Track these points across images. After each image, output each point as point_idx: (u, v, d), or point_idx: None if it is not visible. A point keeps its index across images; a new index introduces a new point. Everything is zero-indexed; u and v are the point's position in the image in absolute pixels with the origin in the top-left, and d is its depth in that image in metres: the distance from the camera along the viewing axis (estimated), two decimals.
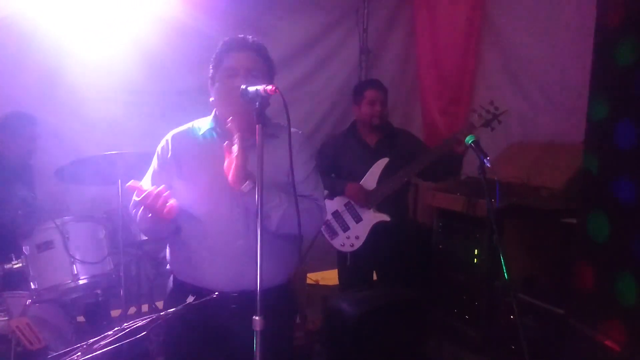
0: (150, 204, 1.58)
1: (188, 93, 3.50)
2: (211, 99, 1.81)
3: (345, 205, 3.04)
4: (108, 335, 1.20)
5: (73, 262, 2.49)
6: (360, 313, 2.62)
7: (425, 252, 3.56)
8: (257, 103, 1.53)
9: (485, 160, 2.06)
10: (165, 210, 1.58)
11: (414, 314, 2.78)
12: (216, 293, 1.56)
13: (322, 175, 3.01)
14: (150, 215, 1.64)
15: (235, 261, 1.70)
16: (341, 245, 3.05)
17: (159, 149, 1.85)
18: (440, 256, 3.49)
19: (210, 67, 1.79)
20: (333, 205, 3.05)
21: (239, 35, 1.78)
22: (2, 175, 2.90)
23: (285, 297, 1.82)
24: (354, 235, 3.01)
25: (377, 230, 2.98)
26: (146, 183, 1.81)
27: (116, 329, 1.21)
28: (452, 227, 3.41)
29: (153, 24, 3.49)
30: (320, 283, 4.38)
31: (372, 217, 2.99)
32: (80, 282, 2.54)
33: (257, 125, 1.53)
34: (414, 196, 3.85)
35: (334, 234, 3.07)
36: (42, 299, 2.51)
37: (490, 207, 2.11)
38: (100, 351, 1.18)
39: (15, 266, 2.46)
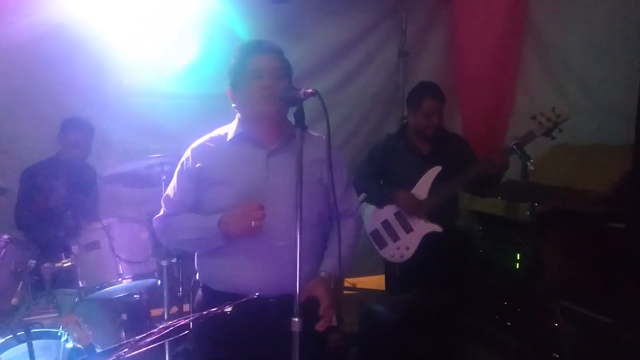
0: (247, 219, 1.61)
1: (225, 97, 3.56)
2: (233, 105, 1.82)
3: (396, 214, 2.96)
4: (153, 333, 1.24)
5: (118, 262, 2.56)
6: (398, 317, 2.61)
7: (464, 257, 3.50)
8: (296, 106, 1.56)
9: (528, 163, 2.02)
10: (254, 225, 1.61)
11: (451, 320, 2.74)
12: (257, 294, 1.57)
13: (369, 180, 3.05)
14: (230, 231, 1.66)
15: (275, 265, 1.70)
16: (391, 255, 2.98)
17: (182, 164, 1.84)
18: (480, 261, 3.43)
19: (230, 74, 1.80)
20: (382, 214, 2.99)
21: (256, 39, 1.81)
22: (58, 176, 3.05)
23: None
24: (404, 245, 2.93)
25: (428, 240, 2.89)
26: (176, 194, 1.82)
27: (161, 326, 1.25)
28: (492, 231, 3.34)
29: (192, 28, 3.59)
30: (358, 286, 4.37)
31: (423, 228, 2.89)
32: (125, 281, 2.59)
33: (297, 129, 1.56)
34: None
35: (383, 244, 3.00)
36: (89, 296, 2.60)
37: (533, 211, 2.06)
38: (146, 348, 1.22)
39: (64, 265, 2.56)
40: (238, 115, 1.83)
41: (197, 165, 1.78)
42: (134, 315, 3.11)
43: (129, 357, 1.23)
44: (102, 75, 3.52)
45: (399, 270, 3.01)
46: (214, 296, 1.77)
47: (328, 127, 1.58)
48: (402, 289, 3.04)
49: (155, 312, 3.23)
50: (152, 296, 3.04)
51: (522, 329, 3.06)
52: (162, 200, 1.89)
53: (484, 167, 2.70)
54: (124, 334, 2.82)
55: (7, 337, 2.17)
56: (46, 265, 2.53)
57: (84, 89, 3.52)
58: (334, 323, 1.63)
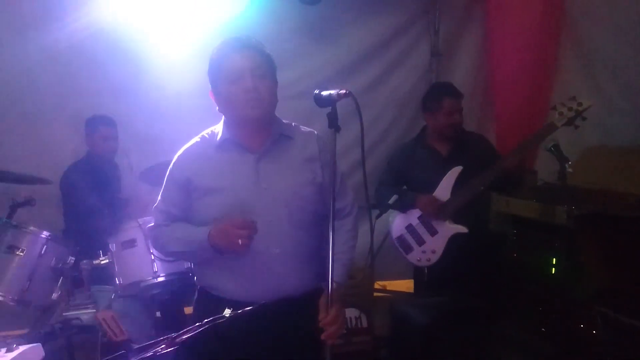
0: (234, 237, 1.54)
1: None
2: (217, 108, 1.72)
3: (419, 218, 2.93)
4: (190, 330, 1.26)
5: (153, 260, 2.61)
6: (429, 320, 2.58)
7: (496, 260, 3.44)
8: (330, 107, 1.55)
9: (566, 165, 1.96)
10: (241, 243, 1.54)
11: (483, 324, 2.70)
12: (263, 301, 1.53)
13: (389, 186, 3.02)
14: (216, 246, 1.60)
15: (270, 272, 1.65)
16: (417, 260, 2.95)
17: (170, 173, 1.76)
18: (514, 265, 3.35)
19: (209, 75, 1.70)
20: (406, 219, 2.96)
21: (233, 37, 1.69)
22: (93, 175, 3.16)
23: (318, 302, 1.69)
24: (430, 249, 2.90)
25: (454, 242, 2.85)
26: (164, 204, 1.76)
27: (197, 324, 1.27)
28: (527, 235, 3.26)
29: (223, 29, 3.63)
30: (388, 288, 4.34)
31: (448, 230, 2.86)
32: (159, 279, 2.64)
33: (331, 130, 1.54)
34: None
35: (408, 248, 2.97)
36: (125, 293, 2.66)
37: (571, 214, 2.00)
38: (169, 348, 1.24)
39: (102, 262, 2.63)
40: (223, 117, 1.75)
41: (185, 176, 1.70)
42: (167, 313, 3.18)
43: (165, 353, 1.25)
44: (137, 76, 3.61)
45: (428, 274, 2.97)
46: (211, 300, 1.71)
47: (362, 128, 1.57)
48: (431, 292, 3.01)
49: (188, 310, 3.28)
50: (186, 294, 3.09)
51: (557, 335, 2.98)
52: (153, 209, 1.82)
53: (501, 164, 2.67)
54: (157, 330, 2.89)
55: (48, 331, 2.25)
56: (84, 262, 2.61)
57: (120, 89, 3.63)
58: (336, 337, 1.58)
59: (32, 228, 2.59)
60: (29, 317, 2.81)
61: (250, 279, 1.65)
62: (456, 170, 2.83)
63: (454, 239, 2.84)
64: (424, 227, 2.92)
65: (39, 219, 2.84)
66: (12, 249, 2.50)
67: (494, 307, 2.81)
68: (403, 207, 2.96)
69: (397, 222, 3.03)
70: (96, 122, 3.35)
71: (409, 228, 2.96)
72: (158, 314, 3.12)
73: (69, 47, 3.40)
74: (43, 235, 2.59)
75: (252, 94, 1.61)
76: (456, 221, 2.84)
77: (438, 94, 2.95)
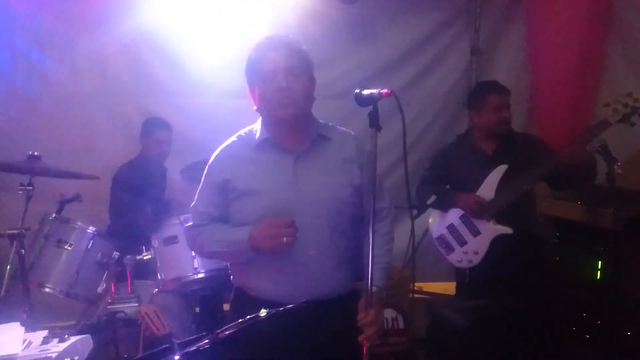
0: (278, 237, 1.54)
1: None
2: (254, 107, 1.70)
3: (461, 217, 2.86)
4: (231, 326, 1.28)
5: (194, 257, 2.65)
6: (468, 323, 2.54)
7: (539, 263, 3.34)
8: (371, 106, 1.53)
9: (615, 166, 1.88)
10: (286, 242, 1.55)
11: (525, 328, 2.63)
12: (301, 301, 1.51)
13: (431, 185, 2.99)
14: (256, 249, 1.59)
15: (306, 273, 1.64)
16: (458, 261, 2.88)
17: (208, 172, 1.75)
18: (557, 269, 3.25)
19: (246, 75, 1.69)
20: (447, 218, 2.90)
21: (268, 35, 1.67)
22: (143, 174, 3.26)
23: (355, 304, 1.66)
24: (472, 250, 2.82)
25: (497, 243, 2.75)
26: (202, 203, 1.76)
27: (240, 320, 1.29)
28: (571, 238, 3.16)
29: (262, 31, 3.67)
30: (424, 290, 4.30)
31: (491, 230, 2.76)
32: (200, 275, 2.68)
33: (371, 129, 1.53)
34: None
35: (449, 249, 2.91)
36: (167, 288, 2.72)
37: (618, 217, 1.92)
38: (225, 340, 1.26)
39: (145, 257, 2.70)
40: (261, 117, 1.73)
41: (222, 177, 1.69)
42: (206, 309, 3.23)
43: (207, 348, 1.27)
44: (179, 77, 3.71)
45: (469, 276, 2.89)
46: (247, 300, 1.72)
47: (404, 127, 1.55)
48: (472, 295, 2.93)
49: (227, 307, 3.33)
50: (225, 291, 3.14)
51: (602, 342, 2.88)
52: (190, 209, 1.82)
53: (556, 160, 2.55)
54: (197, 326, 2.95)
55: (94, 323, 2.33)
56: (128, 257, 2.69)
57: (163, 91, 3.74)
58: (374, 339, 1.57)
59: (79, 223, 2.68)
60: (75, 310, 2.92)
61: (286, 280, 1.65)
62: (501, 169, 2.74)
63: (498, 240, 2.75)
64: (465, 227, 2.84)
65: (85, 215, 2.95)
66: (61, 243, 2.61)
67: (535, 311, 2.73)
68: (444, 206, 2.90)
69: (438, 222, 2.98)
70: (153, 125, 3.45)
71: (450, 228, 2.89)
72: (197, 309, 3.18)
73: (115, 51, 3.54)
74: (90, 231, 2.68)
75: (285, 92, 1.59)
76: (500, 222, 2.75)
77: (482, 91, 2.88)
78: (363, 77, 3.88)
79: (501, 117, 2.76)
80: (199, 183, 1.81)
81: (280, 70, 1.60)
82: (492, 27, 4.10)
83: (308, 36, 3.58)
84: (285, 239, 1.54)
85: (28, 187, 2.37)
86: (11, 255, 2.30)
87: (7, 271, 2.32)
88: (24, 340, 1.14)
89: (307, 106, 1.67)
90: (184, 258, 2.67)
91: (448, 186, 2.93)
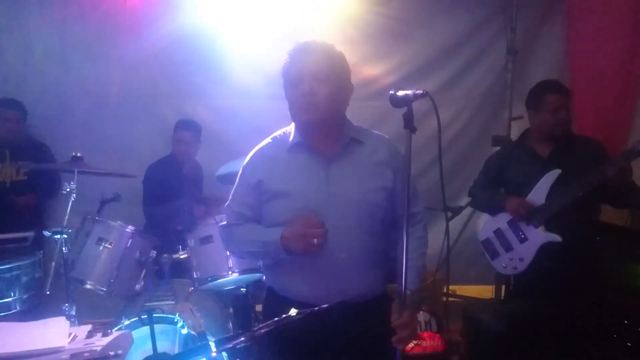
0: (309, 238, 1.56)
1: None
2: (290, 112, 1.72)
3: (509, 222, 2.75)
4: (266, 326, 1.29)
5: (229, 256, 2.69)
6: (505, 328, 2.50)
7: (585, 270, 3.22)
8: (406, 108, 1.52)
9: None
10: (317, 243, 1.56)
11: (564, 334, 2.56)
12: (341, 300, 1.52)
13: (483, 187, 2.93)
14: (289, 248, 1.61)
15: (339, 274, 1.65)
16: (503, 267, 2.79)
17: (243, 173, 1.78)
18: (597, 274, 3.16)
19: (282, 79, 1.71)
20: (495, 222, 2.81)
21: (303, 41, 1.69)
22: (172, 174, 3.34)
23: (386, 306, 1.67)
24: (517, 256, 2.72)
25: (545, 251, 2.63)
26: (236, 204, 1.79)
27: (276, 319, 1.30)
28: (613, 242, 3.06)
29: (297, 34, 3.69)
30: (458, 293, 4.24)
31: (539, 237, 2.64)
32: (234, 275, 2.72)
33: (406, 131, 1.53)
34: None
35: (495, 254, 2.82)
36: (202, 287, 2.77)
37: None
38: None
39: (181, 256, 2.76)
40: None
41: (256, 178, 1.72)
42: (239, 308, 3.27)
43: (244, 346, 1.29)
44: (214, 79, 3.78)
45: (513, 282, 2.82)
46: (278, 300, 1.74)
47: (439, 129, 1.55)
48: (517, 301, 2.86)
49: (259, 307, 3.37)
50: (257, 291, 3.17)
51: None
52: (224, 208, 1.86)
53: (603, 171, 2.42)
54: (230, 325, 2.99)
55: (133, 320, 2.39)
56: (165, 255, 2.76)
57: (198, 93, 3.81)
58: (409, 344, 1.57)
59: (119, 222, 2.76)
60: (113, 306, 3.01)
61: (317, 282, 1.67)
62: (554, 174, 2.61)
63: (545, 248, 2.63)
64: (513, 232, 2.74)
65: (123, 215, 3.03)
66: (101, 241, 2.69)
67: (575, 317, 2.65)
68: (492, 209, 2.82)
69: (486, 225, 2.89)
70: (177, 125, 3.54)
71: (498, 232, 2.80)
72: (231, 310, 3.23)
73: (152, 53, 3.63)
74: (129, 230, 2.75)
75: (308, 98, 1.61)
76: (550, 229, 2.62)
77: (542, 90, 2.72)
78: (398, 78, 3.87)
79: (559, 119, 2.61)
80: (233, 184, 1.84)
81: (306, 76, 1.62)
82: (530, 27, 4.02)
83: (343, 39, 3.60)
84: (315, 240, 1.56)
85: (72, 185, 2.46)
86: (56, 253, 2.39)
87: (52, 268, 2.41)
88: (70, 334, 1.18)
89: (332, 111, 1.67)
90: (218, 257, 2.71)
91: (502, 190, 2.82)
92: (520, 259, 2.70)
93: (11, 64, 3.53)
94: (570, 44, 3.93)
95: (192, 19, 3.60)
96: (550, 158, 2.68)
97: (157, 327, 2.26)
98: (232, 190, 1.83)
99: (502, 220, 2.79)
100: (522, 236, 2.71)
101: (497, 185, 2.85)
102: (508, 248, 2.76)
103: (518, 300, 2.83)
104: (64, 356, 1.04)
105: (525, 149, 2.77)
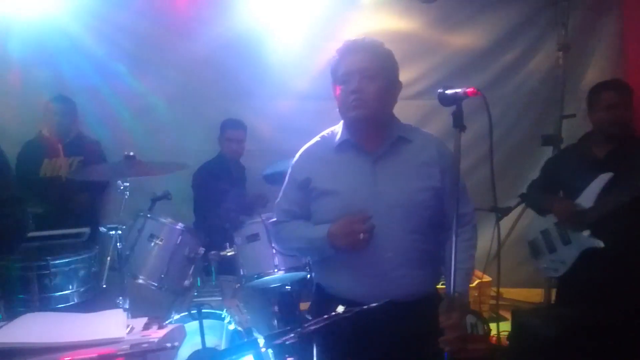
0: (354, 233, 1.57)
1: None
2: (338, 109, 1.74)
3: (556, 223, 2.70)
4: (315, 322, 1.31)
5: (274, 254, 2.72)
6: (556, 333, 2.42)
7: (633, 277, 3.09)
8: (454, 106, 1.51)
9: None
10: (362, 239, 1.57)
11: (616, 342, 2.45)
12: (388, 299, 1.51)
13: (538, 188, 2.87)
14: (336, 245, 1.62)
15: (385, 273, 1.65)
16: (544, 267, 2.76)
17: (292, 171, 1.81)
18: None
19: (331, 78, 1.73)
20: (544, 222, 2.78)
21: (351, 39, 1.70)
22: (220, 174, 3.42)
23: (434, 307, 1.65)
24: (559, 259, 2.66)
25: (589, 257, 2.54)
26: (285, 201, 1.82)
27: (325, 316, 1.31)
28: None
29: (344, 33, 3.69)
30: (505, 296, 4.14)
31: (582, 241, 2.56)
32: (279, 272, 2.74)
33: (455, 129, 1.51)
34: None
35: (538, 254, 2.79)
36: (249, 284, 2.82)
37: None
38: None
39: (228, 254, 2.81)
40: None
41: (304, 176, 1.74)
42: (284, 306, 3.31)
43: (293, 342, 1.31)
44: (260, 80, 3.83)
45: (559, 287, 2.77)
46: (326, 297, 1.76)
47: (490, 128, 1.53)
48: (562, 304, 2.80)
49: (304, 306, 3.39)
50: (302, 289, 3.20)
51: None
52: (274, 206, 1.89)
53: None
54: (276, 322, 3.03)
55: (183, 314, 2.46)
56: (213, 253, 2.81)
57: (244, 93, 3.88)
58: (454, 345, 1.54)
59: (169, 220, 2.84)
60: (163, 301, 3.09)
61: (363, 281, 1.67)
62: (605, 177, 2.51)
63: (589, 252, 2.54)
64: (558, 234, 2.69)
65: (173, 213, 3.12)
66: (152, 237, 2.77)
67: (628, 325, 2.54)
68: (541, 210, 2.78)
69: (535, 225, 2.86)
70: (225, 124, 3.64)
71: (544, 233, 2.76)
72: (276, 307, 3.26)
73: (203, 56, 3.73)
74: (179, 227, 2.82)
75: (356, 94, 1.62)
76: (596, 233, 2.52)
77: (598, 87, 2.62)
78: (443, 76, 3.83)
79: (615, 116, 2.49)
80: (279, 184, 1.88)
81: (354, 73, 1.63)
82: (583, 21, 3.89)
83: (387, 38, 3.56)
84: (361, 235, 1.57)
85: (125, 184, 2.55)
86: (110, 248, 2.49)
87: (107, 263, 2.51)
88: (127, 326, 1.23)
89: (381, 108, 1.68)
90: (264, 255, 2.74)
91: (561, 192, 2.74)
92: (562, 262, 2.65)
93: (65, 69, 3.68)
94: (627, 39, 3.76)
95: (239, 21, 3.66)
96: (606, 160, 2.57)
97: (205, 322, 2.31)
98: (282, 188, 1.86)
99: (550, 221, 2.74)
100: (567, 239, 2.65)
101: (554, 186, 2.77)
102: (551, 249, 2.72)
103: (569, 306, 2.74)
104: (124, 346, 1.09)
105: (583, 150, 2.68)
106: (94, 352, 1.06)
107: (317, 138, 1.82)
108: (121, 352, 1.07)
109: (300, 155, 1.82)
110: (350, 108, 1.65)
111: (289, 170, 1.83)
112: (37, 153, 3.50)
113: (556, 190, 2.76)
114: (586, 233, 2.57)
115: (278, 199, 1.88)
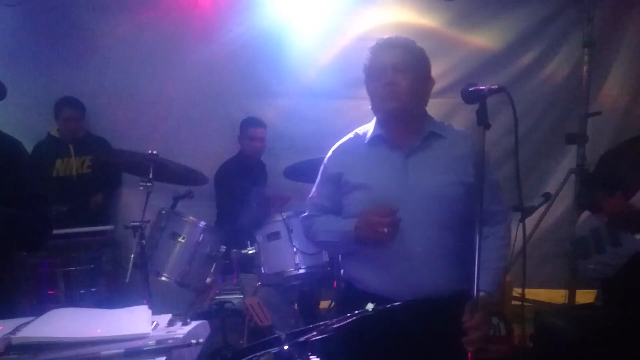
0: (379, 226, 1.58)
1: None
2: (369, 107, 1.75)
3: (607, 223, 2.57)
4: (341, 320, 1.30)
5: (295, 253, 2.74)
6: (581, 334, 2.38)
7: None
8: (478, 103, 1.50)
9: None
10: (387, 232, 1.57)
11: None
12: (408, 299, 1.51)
13: (589, 187, 2.76)
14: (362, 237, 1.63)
15: (414, 269, 1.64)
16: (591, 268, 2.63)
17: (324, 166, 1.84)
18: None
19: (364, 75, 1.74)
20: (595, 221, 2.64)
21: (384, 38, 1.71)
22: (242, 172, 3.44)
23: (462, 306, 1.60)
24: (606, 261, 2.55)
25: (638, 262, 2.42)
26: (317, 196, 1.85)
27: (348, 315, 1.31)
28: None
29: (368, 32, 3.68)
30: (527, 297, 4.08)
31: (634, 244, 2.44)
32: (300, 271, 2.75)
33: (479, 127, 1.50)
34: None
35: (586, 254, 2.67)
36: (269, 282, 2.83)
37: None
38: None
39: (249, 252, 2.82)
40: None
41: (337, 170, 1.77)
42: (304, 305, 3.32)
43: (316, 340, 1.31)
44: (280, 79, 3.85)
45: (603, 289, 2.67)
46: (355, 294, 1.76)
47: (516, 125, 1.51)
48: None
49: (323, 304, 3.39)
50: (323, 288, 3.20)
51: None
52: (307, 200, 1.92)
53: None
54: (294, 320, 3.03)
55: (205, 311, 2.48)
56: (234, 251, 2.83)
57: (264, 93, 3.89)
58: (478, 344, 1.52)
59: (191, 218, 2.87)
60: (184, 299, 3.13)
61: (392, 276, 1.66)
62: None
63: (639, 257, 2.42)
64: (608, 234, 2.55)
65: (195, 211, 3.15)
66: (175, 235, 2.80)
67: None
68: (592, 206, 2.65)
69: (585, 222, 2.73)
70: (246, 123, 3.67)
71: (594, 232, 2.63)
72: (296, 306, 3.27)
73: (223, 56, 3.77)
74: (201, 225, 2.85)
75: (390, 87, 1.64)
76: None
77: None
78: (466, 74, 3.79)
79: None
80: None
81: (387, 67, 1.65)
82: (609, 17, 3.81)
83: (409, 35, 3.55)
84: (385, 229, 1.56)
85: (148, 184, 2.58)
86: (134, 245, 2.53)
87: (131, 259, 2.55)
88: (152, 322, 1.24)
89: (414, 102, 1.69)
90: (285, 254, 2.76)
91: (619, 192, 2.59)
92: (609, 264, 2.52)
93: (88, 69, 3.74)
94: None
95: (259, 21, 3.69)
96: None
97: (227, 319, 2.33)
98: (315, 183, 1.89)
99: (601, 220, 2.60)
100: (617, 240, 2.51)
101: (609, 182, 2.62)
102: (600, 250, 2.59)
103: (595, 308, 2.69)
104: (150, 342, 1.10)
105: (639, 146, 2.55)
106: (120, 348, 1.07)
107: (350, 135, 1.84)
108: (147, 348, 1.08)
109: (333, 151, 1.84)
110: (384, 100, 1.66)
111: (322, 166, 1.85)
112: (48, 154, 3.58)
113: (611, 186, 2.60)
114: (639, 236, 2.45)
115: (311, 194, 1.91)
